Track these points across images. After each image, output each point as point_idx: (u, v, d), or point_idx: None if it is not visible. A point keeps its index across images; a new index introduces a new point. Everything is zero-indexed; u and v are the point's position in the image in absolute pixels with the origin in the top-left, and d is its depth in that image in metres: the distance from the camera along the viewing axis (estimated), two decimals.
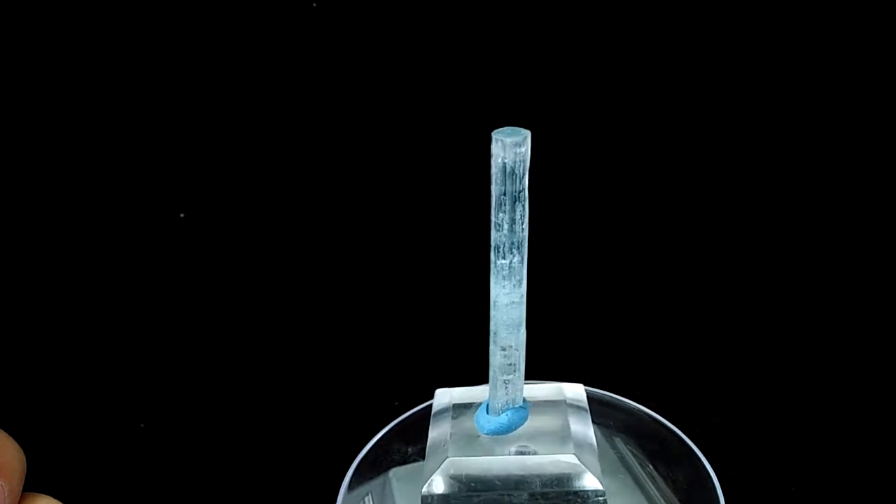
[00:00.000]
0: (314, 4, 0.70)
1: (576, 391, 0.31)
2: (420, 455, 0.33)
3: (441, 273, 0.67)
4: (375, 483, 0.33)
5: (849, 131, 0.71)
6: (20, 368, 0.61)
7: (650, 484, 0.33)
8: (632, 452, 0.34)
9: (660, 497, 0.33)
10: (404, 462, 0.34)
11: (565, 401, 0.30)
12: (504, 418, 0.29)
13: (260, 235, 0.70)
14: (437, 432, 0.29)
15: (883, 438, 0.48)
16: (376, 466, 0.34)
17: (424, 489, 0.28)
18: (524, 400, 0.30)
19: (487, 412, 0.29)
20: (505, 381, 0.28)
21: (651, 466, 0.34)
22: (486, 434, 0.29)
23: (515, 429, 0.29)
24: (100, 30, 0.68)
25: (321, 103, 0.71)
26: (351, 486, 0.32)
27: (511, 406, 0.29)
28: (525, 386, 0.29)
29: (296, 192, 0.71)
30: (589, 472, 0.27)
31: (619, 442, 0.34)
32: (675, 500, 0.32)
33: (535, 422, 0.29)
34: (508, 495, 0.27)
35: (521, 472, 0.27)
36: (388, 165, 0.72)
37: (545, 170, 0.71)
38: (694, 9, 0.71)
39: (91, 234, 0.69)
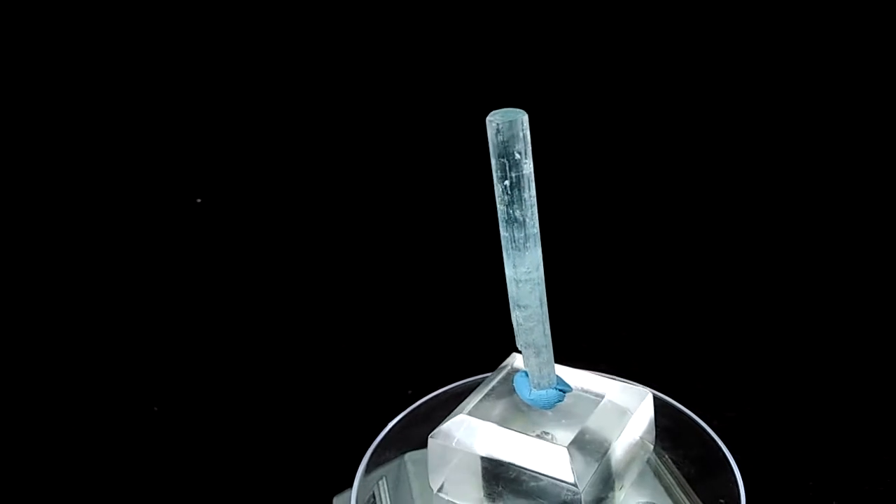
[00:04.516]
0: None
1: (636, 395, 0.31)
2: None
3: (454, 264, 0.67)
4: (390, 467, 0.33)
5: (849, 131, 0.71)
6: (39, 354, 0.62)
7: (667, 475, 0.33)
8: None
9: (677, 488, 0.32)
10: (418, 447, 0.34)
11: (606, 398, 0.30)
12: (541, 394, 0.30)
13: (276, 227, 0.70)
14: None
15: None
16: (391, 451, 0.34)
17: (431, 433, 0.29)
18: (564, 384, 0.30)
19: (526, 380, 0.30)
20: (528, 355, 0.29)
21: (668, 458, 0.33)
22: (551, 405, 0.30)
23: (543, 406, 0.30)
24: (118, 27, 0.68)
25: (338, 96, 0.71)
26: (367, 470, 0.33)
27: (540, 385, 0.29)
28: (600, 379, 0.31)
29: (312, 185, 0.71)
30: (569, 466, 0.27)
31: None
32: (692, 491, 0.32)
33: (569, 408, 0.30)
34: (495, 464, 0.28)
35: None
36: (401, 158, 0.72)
37: (568, 173, 0.71)
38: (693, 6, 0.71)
39: (109, 222, 0.69)
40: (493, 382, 0.31)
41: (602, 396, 0.30)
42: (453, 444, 0.30)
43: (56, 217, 0.69)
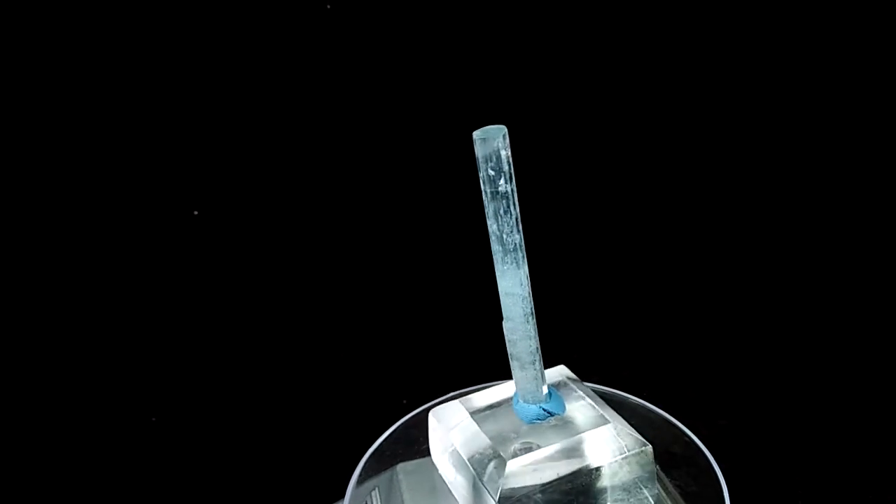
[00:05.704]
0: (328, 6, 0.71)
1: (564, 372, 0.32)
2: (425, 452, 0.34)
3: (449, 274, 0.67)
4: (383, 477, 0.33)
5: (848, 131, 0.71)
6: (37, 367, 0.62)
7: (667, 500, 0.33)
8: None
9: (666, 497, 0.33)
10: (411, 458, 0.34)
11: (566, 381, 0.31)
12: (523, 407, 0.29)
13: (271, 239, 0.70)
14: (468, 442, 0.29)
15: (887, 444, 0.48)
16: (384, 461, 0.34)
17: (499, 496, 0.28)
18: (558, 405, 0.30)
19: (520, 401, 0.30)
20: (513, 367, 0.29)
21: (657, 466, 0.34)
22: (530, 421, 0.29)
23: (522, 420, 0.29)
24: (116, 33, 0.69)
25: (337, 104, 0.72)
26: (360, 481, 0.33)
27: (525, 399, 0.29)
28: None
29: (308, 195, 0.72)
30: (634, 434, 0.28)
31: None
32: (680, 499, 0.32)
33: (567, 429, 0.30)
34: (573, 477, 0.28)
35: (577, 454, 0.28)
36: (397, 167, 0.72)
37: (561, 182, 0.71)
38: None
39: (107, 231, 0.69)
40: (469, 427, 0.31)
41: (563, 382, 0.30)
42: (441, 426, 0.30)
43: (52, 229, 0.69)
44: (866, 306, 0.62)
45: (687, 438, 0.33)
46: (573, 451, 0.28)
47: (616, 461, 0.28)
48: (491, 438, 0.29)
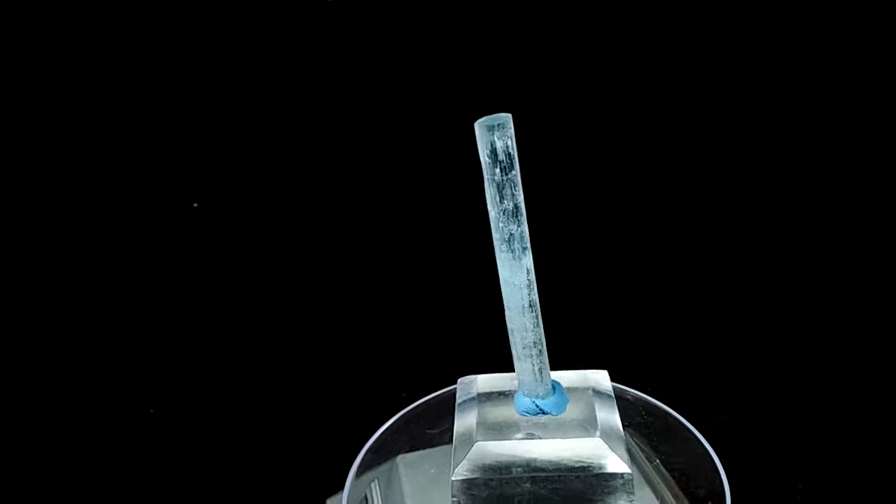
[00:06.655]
0: (329, 0, 0.71)
1: (600, 378, 0.31)
2: (424, 444, 0.34)
3: (450, 267, 0.67)
4: (382, 469, 0.34)
5: (848, 131, 0.71)
6: (35, 358, 0.62)
7: (657, 477, 0.33)
8: (639, 445, 0.34)
9: (666, 491, 0.33)
10: (411, 450, 0.34)
11: (591, 388, 0.30)
12: (518, 397, 0.29)
13: (269, 231, 0.70)
14: (463, 419, 0.29)
15: (887, 438, 0.48)
16: (383, 454, 0.34)
17: (454, 474, 0.28)
18: (558, 389, 0.30)
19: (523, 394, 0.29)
20: (514, 356, 0.29)
21: (658, 461, 0.34)
22: (520, 413, 0.29)
23: (540, 413, 0.29)
24: (116, 30, 0.69)
25: (340, 95, 0.72)
26: (359, 472, 0.33)
27: (522, 391, 0.29)
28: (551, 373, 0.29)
29: (307, 188, 0.72)
30: (615, 455, 0.27)
31: (626, 435, 0.34)
32: (681, 493, 0.32)
33: (572, 429, 0.29)
34: (535, 478, 0.27)
35: (548, 456, 0.28)
36: (395, 159, 0.72)
37: (559, 174, 0.71)
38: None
39: (106, 223, 0.69)
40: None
41: (587, 388, 0.30)
42: (457, 399, 0.30)
43: (51, 221, 0.69)
44: (866, 302, 0.62)
45: (687, 431, 0.33)
46: (550, 454, 0.28)
47: (588, 477, 0.28)
48: (483, 421, 0.29)
